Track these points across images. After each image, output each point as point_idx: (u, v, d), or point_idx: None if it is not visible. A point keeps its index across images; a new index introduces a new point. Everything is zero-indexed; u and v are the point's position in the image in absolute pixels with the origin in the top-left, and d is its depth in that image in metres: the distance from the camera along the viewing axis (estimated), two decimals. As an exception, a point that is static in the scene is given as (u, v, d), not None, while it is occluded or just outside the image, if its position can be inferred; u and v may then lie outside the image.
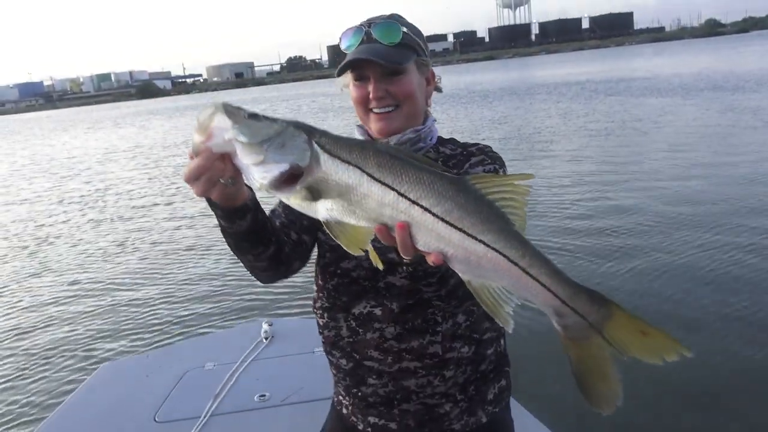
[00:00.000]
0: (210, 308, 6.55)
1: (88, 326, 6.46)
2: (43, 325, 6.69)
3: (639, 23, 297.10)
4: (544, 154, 13.98)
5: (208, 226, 10.38)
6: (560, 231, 7.84)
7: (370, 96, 1.47)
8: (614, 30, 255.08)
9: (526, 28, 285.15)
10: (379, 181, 1.02)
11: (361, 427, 1.59)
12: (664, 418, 3.77)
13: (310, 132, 1.05)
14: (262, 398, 3.10)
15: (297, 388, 3.12)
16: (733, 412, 3.86)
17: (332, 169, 1.02)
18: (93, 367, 4.84)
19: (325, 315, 1.58)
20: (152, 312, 6.65)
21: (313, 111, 38.82)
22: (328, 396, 2.97)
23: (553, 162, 13.02)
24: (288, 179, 1.03)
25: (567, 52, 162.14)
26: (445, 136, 1.64)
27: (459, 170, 1.49)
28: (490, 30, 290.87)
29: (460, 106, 28.32)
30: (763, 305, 5.23)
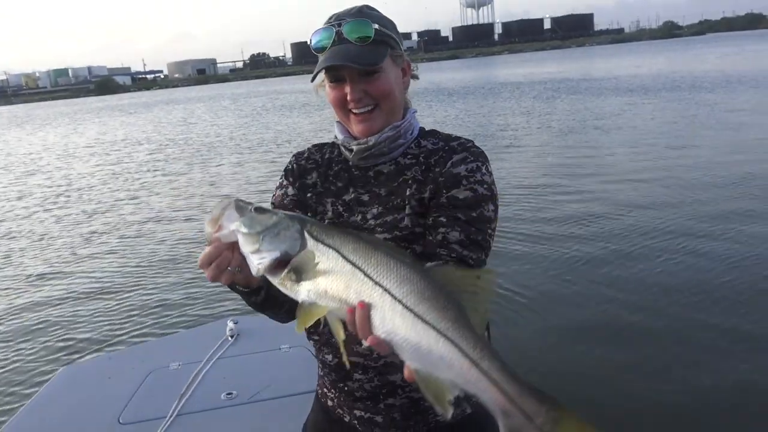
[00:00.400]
0: (174, 308, 6.44)
1: (46, 329, 6.27)
2: (-2, 326, 6.49)
3: (599, 24, 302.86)
4: (507, 152, 14.15)
5: (173, 226, 10.23)
6: (519, 233, 7.94)
7: (348, 98, 1.45)
8: (575, 30, 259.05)
9: (489, 27, 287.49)
10: (350, 262, 1.08)
11: (347, 419, 1.60)
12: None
13: (303, 222, 1.15)
14: (229, 396, 3.08)
15: (264, 386, 3.11)
16: (698, 416, 3.90)
17: (316, 252, 1.11)
18: (52, 371, 4.70)
19: None
20: (114, 313, 6.49)
21: (276, 108, 38.57)
22: (296, 392, 2.99)
23: (515, 160, 13.21)
24: (280, 265, 1.13)
25: (529, 52, 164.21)
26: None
27: (442, 169, 1.45)
28: (453, 29, 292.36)
29: (425, 103, 28.42)
30: (715, 308, 5.33)
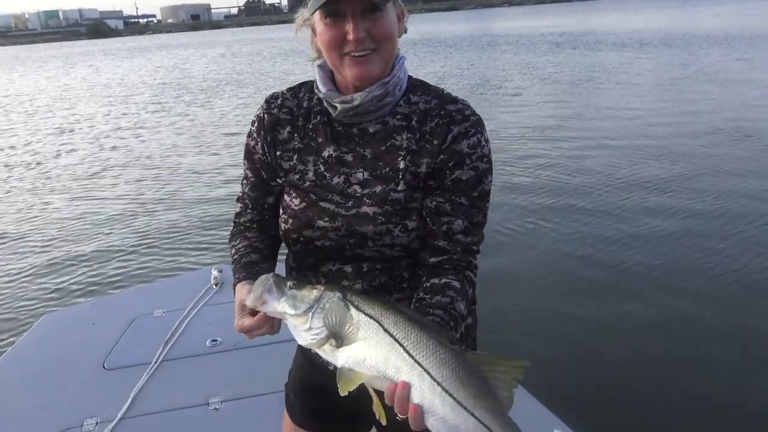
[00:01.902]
0: (158, 256, 6.37)
1: (30, 275, 6.20)
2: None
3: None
4: (505, 105, 14.02)
5: (161, 173, 10.14)
6: (514, 183, 7.91)
7: (350, 37, 1.26)
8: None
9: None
10: (390, 335, 1.12)
11: (331, 367, 1.58)
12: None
13: (344, 292, 1.20)
14: (213, 343, 3.09)
15: (249, 333, 3.10)
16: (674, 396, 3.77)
17: (357, 321, 1.16)
18: (35, 317, 4.62)
19: (293, 273, 1.53)
20: (99, 260, 6.41)
21: (272, 55, 38.19)
22: (281, 339, 2.95)
23: (514, 112, 13.08)
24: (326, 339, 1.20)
25: (530, 5, 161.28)
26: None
27: (441, 143, 1.33)
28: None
29: (424, 54, 28.10)
30: (708, 268, 5.28)
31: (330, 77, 1.41)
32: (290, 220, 1.41)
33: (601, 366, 4.01)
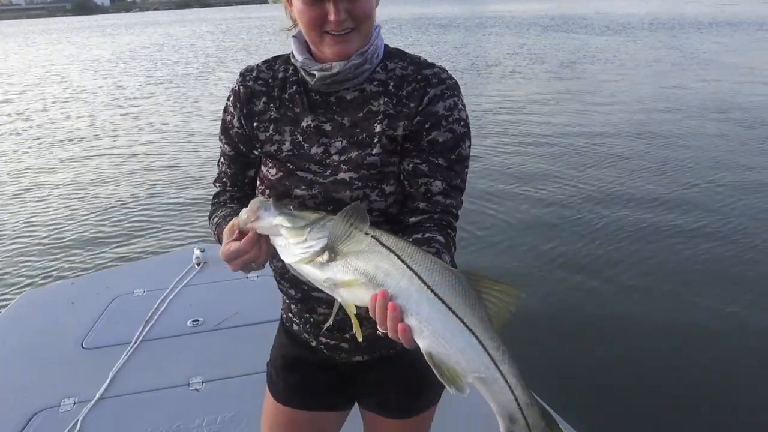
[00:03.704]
0: (139, 235, 6.26)
1: (8, 252, 6.09)
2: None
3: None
4: (494, 83, 14.01)
5: (144, 152, 10.01)
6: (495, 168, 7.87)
7: (330, 18, 1.28)
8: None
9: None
10: (386, 247, 1.11)
11: (314, 344, 1.57)
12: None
13: (344, 213, 1.17)
14: (195, 323, 3.07)
15: (231, 313, 3.09)
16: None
17: (355, 237, 1.14)
18: (14, 296, 4.58)
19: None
20: (79, 239, 6.30)
21: (261, 34, 38.23)
22: (263, 320, 2.97)
23: (500, 90, 13.11)
24: (320, 252, 1.17)
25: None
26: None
27: (418, 105, 1.34)
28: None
29: (414, 36, 27.99)
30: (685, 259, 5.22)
31: (306, 47, 1.41)
32: (267, 191, 1.41)
33: (590, 352, 3.98)
